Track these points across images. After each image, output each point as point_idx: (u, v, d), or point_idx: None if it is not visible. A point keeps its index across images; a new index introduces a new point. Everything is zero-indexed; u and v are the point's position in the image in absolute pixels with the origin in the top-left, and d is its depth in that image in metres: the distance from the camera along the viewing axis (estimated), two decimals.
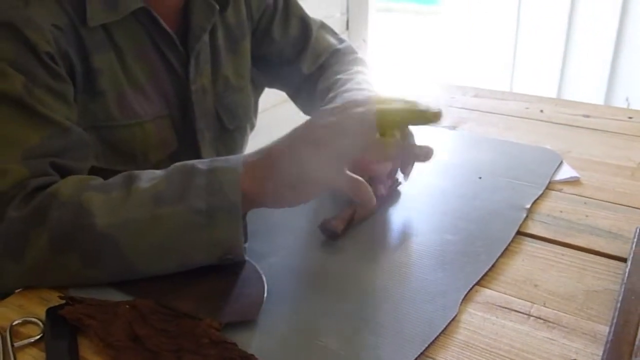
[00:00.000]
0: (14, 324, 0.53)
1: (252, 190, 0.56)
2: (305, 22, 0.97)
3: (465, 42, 2.60)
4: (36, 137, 0.61)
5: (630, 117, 0.95)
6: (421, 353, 0.49)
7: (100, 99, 0.71)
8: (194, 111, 0.81)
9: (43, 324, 0.53)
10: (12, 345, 0.51)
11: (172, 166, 0.59)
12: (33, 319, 0.54)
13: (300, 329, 0.52)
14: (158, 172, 0.59)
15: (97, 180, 0.60)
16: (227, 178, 0.56)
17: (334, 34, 1.02)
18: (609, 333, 0.48)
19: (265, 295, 0.55)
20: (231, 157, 0.59)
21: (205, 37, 0.81)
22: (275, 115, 1.47)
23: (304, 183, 0.57)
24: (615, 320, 0.48)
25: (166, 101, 0.79)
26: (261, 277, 0.57)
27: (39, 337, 0.52)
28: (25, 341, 0.51)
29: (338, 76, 0.90)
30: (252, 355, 0.47)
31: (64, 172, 0.62)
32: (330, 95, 0.85)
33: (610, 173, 0.78)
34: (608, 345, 0.46)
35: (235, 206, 0.55)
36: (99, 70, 0.70)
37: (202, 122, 0.83)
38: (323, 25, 1.01)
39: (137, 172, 0.60)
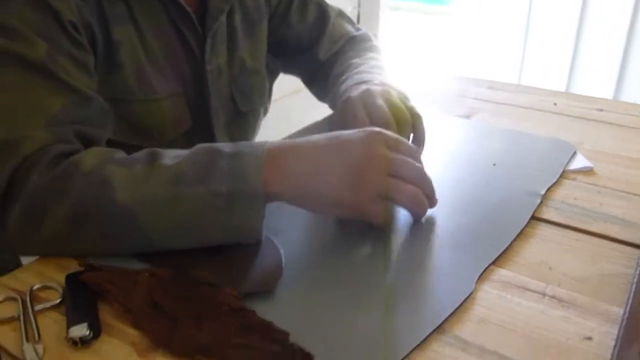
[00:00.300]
0: (34, 288, 0.54)
1: (276, 183, 0.57)
2: (322, 9, 0.97)
3: (474, 41, 2.61)
4: (58, 104, 0.61)
5: None
6: (438, 327, 0.49)
7: (120, 72, 0.72)
8: (208, 91, 0.81)
9: (62, 289, 0.54)
10: (32, 309, 0.51)
11: (196, 146, 0.59)
12: (52, 285, 0.54)
13: (318, 300, 0.52)
14: (181, 152, 0.59)
15: (120, 154, 0.60)
16: (250, 163, 0.56)
17: (351, 22, 1.03)
18: (625, 312, 0.48)
19: (283, 267, 0.55)
20: (255, 143, 0.60)
21: (223, 18, 0.82)
22: (285, 106, 1.48)
23: (336, 200, 0.58)
24: (630, 300, 0.49)
25: (182, 79, 0.79)
26: (278, 250, 0.58)
27: (58, 301, 0.52)
28: (46, 305, 0.52)
29: (352, 61, 0.91)
30: (272, 322, 0.48)
31: (85, 140, 0.62)
32: (343, 78, 0.86)
33: (623, 165, 0.78)
34: (624, 322, 0.46)
35: (257, 193, 0.55)
36: (119, 42, 0.71)
37: (217, 102, 0.84)
38: (341, 13, 1.01)
39: (160, 149, 0.60)
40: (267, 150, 0.57)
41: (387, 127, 0.68)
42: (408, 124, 0.72)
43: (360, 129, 0.61)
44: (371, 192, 0.58)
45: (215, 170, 0.56)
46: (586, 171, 0.76)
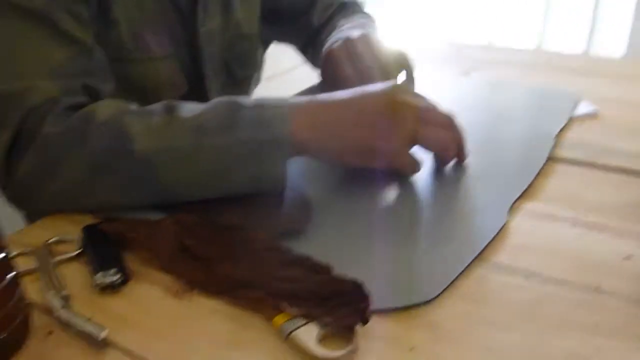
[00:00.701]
0: (49, 241, 0.51)
1: (305, 132, 0.55)
2: None
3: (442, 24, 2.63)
4: (60, 55, 0.58)
5: (635, 64, 0.97)
6: (479, 254, 0.48)
7: (114, 29, 0.69)
8: (201, 55, 0.79)
9: (81, 241, 0.51)
10: (52, 260, 0.48)
11: (216, 99, 0.58)
12: (69, 237, 0.51)
13: (352, 237, 0.51)
14: (199, 105, 0.57)
15: (135, 105, 0.58)
16: (275, 112, 0.55)
17: None
18: None
19: (312, 207, 0.54)
20: (278, 97, 0.58)
21: None
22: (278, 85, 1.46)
23: (366, 149, 0.57)
24: None
25: (175, 42, 0.77)
26: (304, 194, 0.56)
27: (77, 252, 0.50)
28: (64, 256, 0.49)
29: (339, 22, 0.90)
30: (311, 256, 0.46)
31: (92, 94, 0.59)
32: (328, 39, 0.84)
33: (627, 109, 0.79)
34: None
35: (284, 141, 0.54)
36: None
37: (210, 67, 0.81)
38: None
39: (177, 102, 0.58)
40: (290, 105, 0.56)
41: (372, 74, 0.68)
42: (393, 67, 0.72)
43: (380, 84, 0.60)
44: (403, 138, 0.57)
45: (239, 119, 0.54)
46: (592, 115, 0.77)
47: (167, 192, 0.54)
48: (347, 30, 0.82)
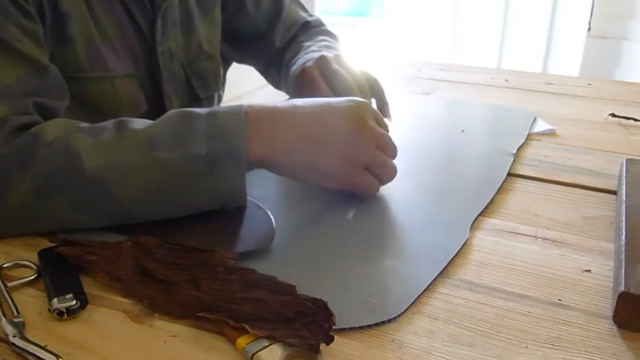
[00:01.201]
0: (4, 266, 0.49)
1: (257, 145, 0.54)
2: None
3: (404, 42, 2.68)
4: (12, 75, 0.57)
5: (589, 84, 1.00)
6: (441, 271, 0.49)
7: (70, 47, 0.68)
8: (160, 74, 0.78)
9: (36, 266, 0.49)
10: (6, 286, 0.46)
11: (168, 112, 0.56)
12: (24, 262, 0.50)
13: (316, 256, 0.50)
14: (150, 121, 0.56)
15: (84, 123, 0.57)
16: (228, 122, 0.53)
17: (304, 8, 1.02)
18: (621, 238, 0.49)
19: (275, 225, 0.53)
20: (230, 105, 0.57)
21: None
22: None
23: (322, 168, 0.56)
24: (624, 229, 0.50)
25: (134, 61, 0.76)
26: (266, 212, 0.56)
27: (33, 277, 0.48)
28: (19, 281, 0.47)
29: (303, 44, 0.90)
30: (275, 277, 0.46)
31: (45, 112, 0.58)
32: (294, 60, 0.85)
33: (582, 127, 0.82)
34: (623, 247, 0.47)
35: (238, 151, 0.52)
36: (69, 14, 0.67)
37: (170, 86, 0.81)
38: (294, 0, 1.01)
39: (128, 118, 0.57)
40: (246, 113, 0.55)
41: (348, 92, 0.68)
42: (366, 87, 0.72)
43: (346, 99, 0.60)
44: (361, 163, 0.57)
45: (192, 131, 0.53)
46: (549, 133, 0.79)
47: (123, 211, 0.53)
48: (316, 50, 0.82)
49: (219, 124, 0.53)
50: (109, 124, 0.55)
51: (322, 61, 0.73)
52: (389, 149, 0.59)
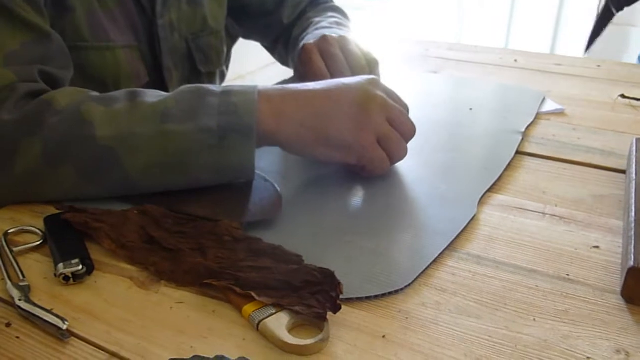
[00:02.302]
0: (10, 231, 0.49)
1: (273, 123, 0.53)
2: None
3: (411, 26, 2.66)
4: (16, 42, 0.56)
5: (598, 66, 0.99)
6: (449, 245, 0.48)
7: (70, 16, 0.67)
8: (160, 47, 0.78)
9: (42, 232, 0.49)
10: (11, 250, 0.46)
11: (182, 87, 0.56)
12: (30, 228, 0.50)
13: (324, 228, 0.50)
14: (163, 92, 0.56)
15: (96, 93, 0.56)
16: (242, 99, 0.53)
17: None
18: (631, 215, 0.49)
19: (281, 196, 0.53)
20: (245, 85, 0.56)
21: None
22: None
23: (334, 141, 0.55)
24: (634, 206, 0.49)
25: (134, 32, 0.75)
26: (273, 184, 0.55)
27: (39, 242, 0.48)
28: (25, 246, 0.47)
29: (312, 19, 0.89)
30: (281, 246, 0.45)
31: (50, 81, 0.58)
32: (303, 35, 0.84)
33: (592, 107, 0.81)
34: (633, 224, 0.47)
35: (250, 129, 0.52)
36: None
37: (170, 59, 0.80)
38: None
39: (140, 89, 0.56)
40: (259, 92, 0.55)
41: (344, 75, 0.67)
42: (365, 71, 0.71)
43: (358, 77, 0.59)
44: (371, 133, 0.56)
45: (205, 106, 0.53)
46: (558, 113, 0.78)
47: (131, 182, 0.53)
48: (323, 28, 0.81)
49: (231, 101, 0.53)
50: (121, 94, 0.55)
51: (323, 41, 0.72)
52: (404, 126, 0.58)
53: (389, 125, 0.57)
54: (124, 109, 0.53)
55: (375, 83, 0.58)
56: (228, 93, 0.54)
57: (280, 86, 0.57)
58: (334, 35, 0.74)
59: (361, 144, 0.56)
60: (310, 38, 0.77)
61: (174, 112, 0.53)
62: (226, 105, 0.53)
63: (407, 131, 0.58)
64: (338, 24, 0.86)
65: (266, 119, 0.53)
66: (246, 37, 1.01)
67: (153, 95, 0.55)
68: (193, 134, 0.52)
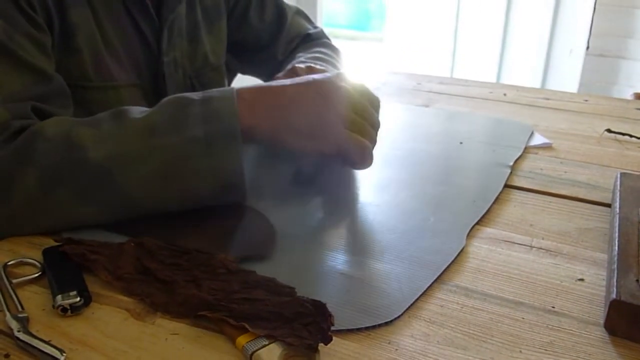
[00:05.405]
0: (9, 263, 0.50)
1: (249, 118, 0.56)
2: (280, 8, 0.98)
3: (406, 59, 2.71)
4: (18, 83, 0.59)
5: (585, 100, 1.02)
6: (438, 277, 0.50)
7: (77, 57, 0.69)
8: (165, 84, 0.80)
9: (40, 264, 0.50)
10: (10, 282, 0.47)
11: (163, 100, 0.59)
12: (29, 260, 0.51)
13: (316, 260, 0.52)
14: (146, 108, 0.58)
15: (81, 118, 0.58)
16: (222, 104, 0.56)
17: (308, 19, 1.04)
18: (614, 249, 0.50)
19: (276, 233, 0.54)
20: (223, 88, 0.59)
21: (181, 9, 0.80)
22: None
23: (312, 130, 0.58)
24: (617, 240, 0.51)
25: (138, 71, 0.77)
26: (265, 217, 0.57)
27: (38, 274, 0.49)
28: (24, 278, 0.48)
29: (297, 54, 0.92)
30: (274, 278, 0.47)
31: (45, 117, 0.59)
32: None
33: (578, 141, 0.83)
34: (616, 257, 0.48)
35: (234, 131, 0.55)
36: (76, 25, 0.68)
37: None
38: (298, 12, 1.02)
39: (124, 107, 0.58)
40: (236, 90, 0.58)
41: None
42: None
43: (327, 72, 0.63)
44: (339, 122, 0.58)
45: (188, 116, 0.55)
46: (546, 147, 0.80)
47: (127, 199, 0.54)
48: (302, 61, 0.82)
49: (213, 107, 0.56)
50: (105, 115, 0.58)
51: (291, 72, 0.75)
52: (370, 115, 0.61)
53: (356, 113, 0.60)
54: (112, 128, 0.55)
55: (341, 77, 0.61)
56: (209, 100, 0.57)
57: (255, 85, 0.61)
58: (301, 66, 0.76)
59: (331, 131, 0.58)
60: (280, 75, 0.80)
61: (160, 125, 0.55)
62: (209, 112, 0.56)
63: (373, 122, 0.62)
64: (318, 58, 0.88)
65: (245, 115, 0.56)
66: (243, 71, 1.04)
67: (137, 112, 0.57)
68: (182, 145, 0.54)
